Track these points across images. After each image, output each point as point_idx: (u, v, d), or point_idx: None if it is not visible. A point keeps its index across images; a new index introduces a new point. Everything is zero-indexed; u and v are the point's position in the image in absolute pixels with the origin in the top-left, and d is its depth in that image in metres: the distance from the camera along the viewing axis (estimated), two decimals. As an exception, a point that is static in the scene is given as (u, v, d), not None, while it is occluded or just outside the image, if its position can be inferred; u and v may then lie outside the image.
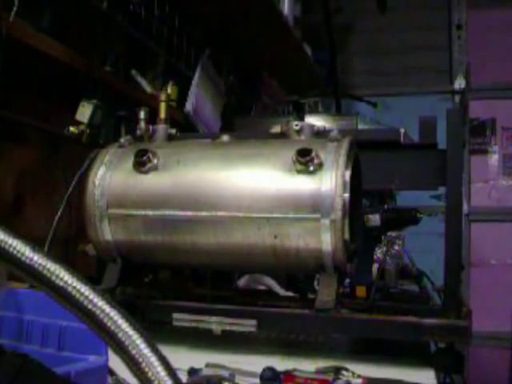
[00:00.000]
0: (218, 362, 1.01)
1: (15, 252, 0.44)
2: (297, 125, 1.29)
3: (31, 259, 0.44)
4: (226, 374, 0.95)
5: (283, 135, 1.32)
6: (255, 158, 1.25)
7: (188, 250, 1.26)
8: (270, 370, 0.97)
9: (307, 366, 1.05)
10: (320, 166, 1.16)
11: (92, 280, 0.90)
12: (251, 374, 0.98)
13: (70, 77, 1.73)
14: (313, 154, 1.15)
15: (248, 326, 1.18)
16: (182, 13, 2.43)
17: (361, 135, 1.46)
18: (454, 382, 2.11)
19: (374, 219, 1.40)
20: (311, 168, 1.16)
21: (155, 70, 2.28)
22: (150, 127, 1.41)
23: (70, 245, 1.79)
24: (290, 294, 1.69)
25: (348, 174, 1.16)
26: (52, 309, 0.73)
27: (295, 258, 1.19)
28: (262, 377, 0.95)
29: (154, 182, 1.26)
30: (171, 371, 0.42)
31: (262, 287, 1.72)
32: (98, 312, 0.43)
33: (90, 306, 0.43)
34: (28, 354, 0.58)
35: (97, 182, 1.28)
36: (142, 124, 1.43)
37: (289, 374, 0.96)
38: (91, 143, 1.68)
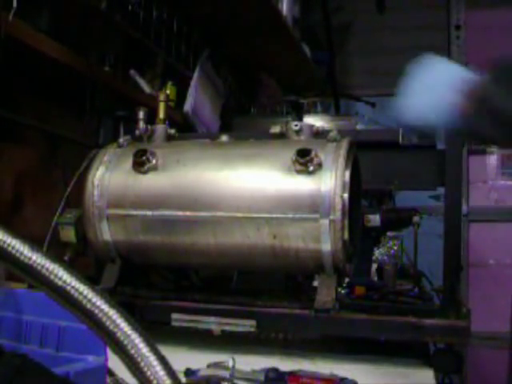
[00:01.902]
0: (218, 362, 1.01)
1: (14, 251, 0.44)
2: (296, 125, 1.29)
3: (30, 258, 0.44)
4: (226, 374, 0.95)
5: (282, 135, 1.32)
6: (254, 158, 1.25)
7: (187, 250, 1.26)
8: (275, 370, 0.96)
9: (307, 365, 1.04)
10: (319, 166, 1.16)
11: (91, 280, 0.89)
12: (251, 374, 0.98)
13: (69, 77, 1.72)
14: (312, 155, 1.15)
15: (247, 326, 1.18)
16: (180, 13, 2.42)
17: (360, 135, 1.46)
18: (453, 382, 2.11)
19: (374, 219, 1.40)
20: (310, 168, 1.16)
21: (154, 70, 2.28)
22: (149, 127, 1.40)
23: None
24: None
25: (347, 174, 1.16)
26: (51, 309, 0.73)
27: (294, 258, 1.19)
28: (267, 377, 0.95)
29: (153, 182, 1.26)
30: (170, 371, 0.42)
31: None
32: (97, 311, 0.43)
33: (89, 306, 0.43)
34: (27, 354, 0.57)
35: (96, 182, 1.28)
36: (141, 124, 1.42)
37: (294, 375, 0.96)
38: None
